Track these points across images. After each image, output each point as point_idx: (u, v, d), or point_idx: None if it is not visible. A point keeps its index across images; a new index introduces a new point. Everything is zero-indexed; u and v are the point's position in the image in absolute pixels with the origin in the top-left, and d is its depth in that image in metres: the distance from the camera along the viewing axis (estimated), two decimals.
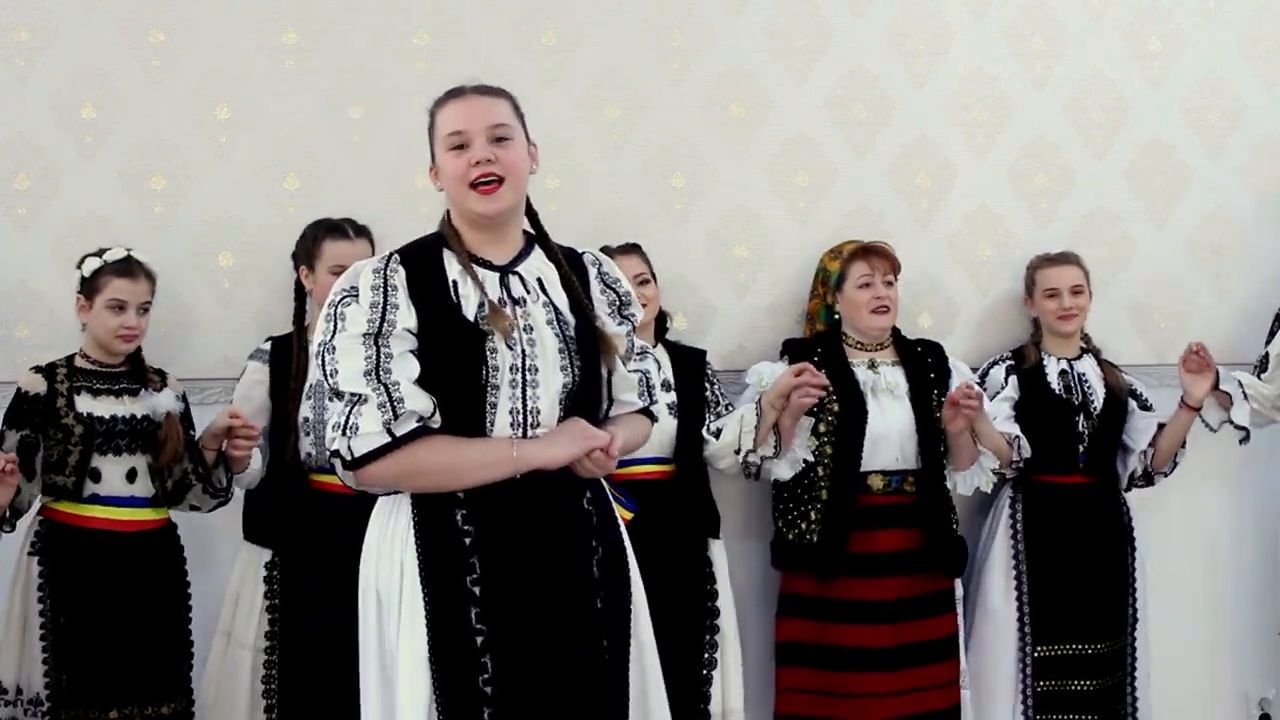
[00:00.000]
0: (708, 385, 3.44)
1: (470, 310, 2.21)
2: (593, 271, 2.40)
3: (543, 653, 2.16)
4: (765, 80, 3.77)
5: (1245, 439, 3.65)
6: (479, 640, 2.13)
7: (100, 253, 3.04)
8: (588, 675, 2.18)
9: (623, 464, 3.03)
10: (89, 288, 2.99)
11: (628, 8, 3.69)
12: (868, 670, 3.24)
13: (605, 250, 3.38)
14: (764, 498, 3.53)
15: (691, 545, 3.33)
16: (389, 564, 2.20)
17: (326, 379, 2.17)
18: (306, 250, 3.25)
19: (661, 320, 3.49)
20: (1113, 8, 4.00)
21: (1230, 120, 4.06)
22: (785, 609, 3.38)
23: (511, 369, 2.20)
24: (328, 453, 2.18)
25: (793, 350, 3.49)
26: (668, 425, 3.27)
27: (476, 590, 2.15)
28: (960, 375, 3.48)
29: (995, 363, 3.68)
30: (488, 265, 2.28)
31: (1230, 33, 4.07)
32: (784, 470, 3.31)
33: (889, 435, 3.33)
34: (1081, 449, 3.56)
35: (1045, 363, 3.64)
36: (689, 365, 3.42)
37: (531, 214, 2.40)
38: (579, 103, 3.67)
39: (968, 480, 3.45)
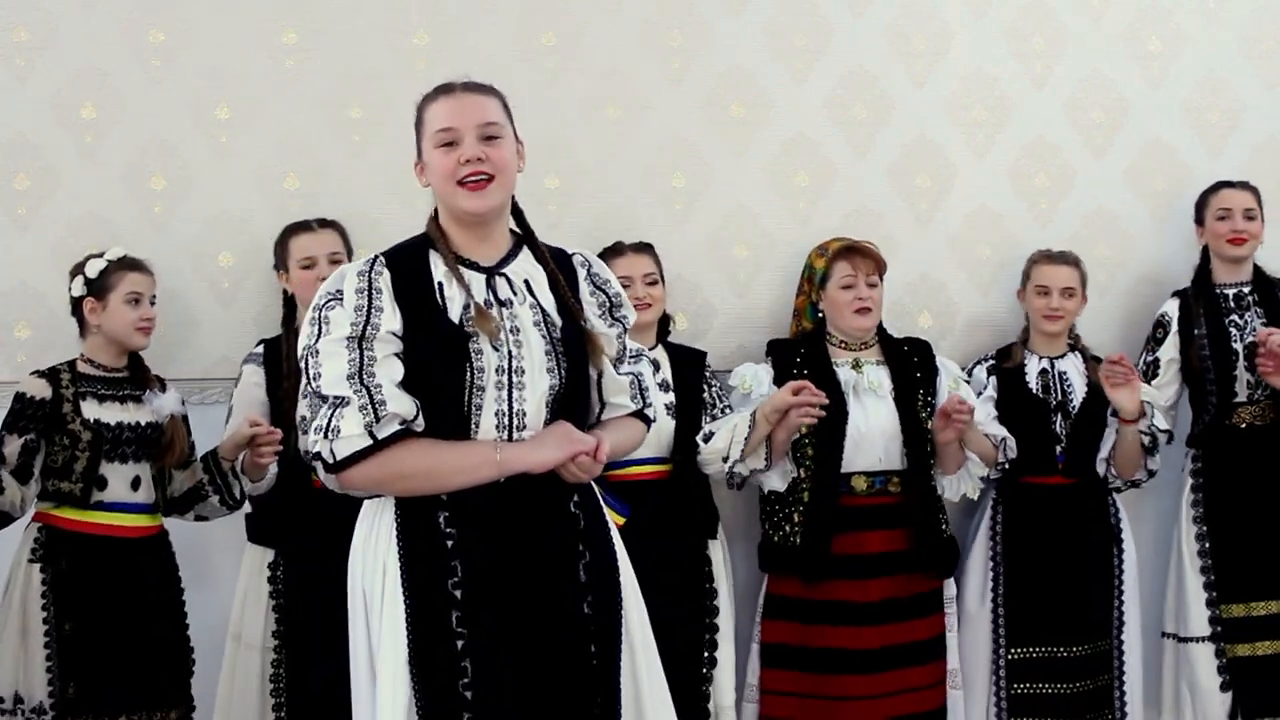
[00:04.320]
0: (705, 387, 3.43)
1: (455, 312, 2.18)
2: (582, 273, 2.38)
3: (525, 657, 2.14)
4: (765, 80, 3.77)
5: (1170, 440, 3.64)
6: (459, 644, 2.11)
7: (99, 254, 3.04)
8: (573, 680, 2.17)
9: (620, 464, 3.05)
10: (98, 288, 3.00)
11: (628, 8, 3.69)
12: (851, 673, 3.22)
13: (618, 247, 3.39)
14: (754, 500, 3.53)
15: (690, 545, 3.33)
16: (373, 565, 2.18)
17: (310, 383, 2.14)
18: (278, 254, 3.30)
19: (664, 322, 3.49)
20: (1113, 8, 4.00)
21: (1230, 120, 4.06)
22: (770, 611, 3.37)
23: (498, 371, 2.18)
24: (311, 455, 2.15)
25: (776, 351, 3.47)
26: (666, 425, 3.27)
27: (458, 594, 2.12)
28: (948, 374, 3.46)
29: (979, 362, 3.67)
30: (474, 266, 2.26)
31: (1230, 33, 4.07)
32: (776, 482, 3.30)
33: (871, 436, 3.30)
34: (1059, 449, 3.54)
35: (1027, 361, 3.63)
36: (688, 366, 3.42)
37: (519, 214, 2.38)
38: (579, 103, 3.67)
39: (955, 486, 3.42)
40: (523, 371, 2.19)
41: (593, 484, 2.32)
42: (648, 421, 2.47)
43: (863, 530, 3.28)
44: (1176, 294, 3.80)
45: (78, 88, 3.41)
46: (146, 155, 3.44)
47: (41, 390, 2.94)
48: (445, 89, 2.32)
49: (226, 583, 3.31)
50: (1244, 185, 3.76)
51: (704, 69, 3.73)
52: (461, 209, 2.25)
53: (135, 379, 3.07)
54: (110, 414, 2.98)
